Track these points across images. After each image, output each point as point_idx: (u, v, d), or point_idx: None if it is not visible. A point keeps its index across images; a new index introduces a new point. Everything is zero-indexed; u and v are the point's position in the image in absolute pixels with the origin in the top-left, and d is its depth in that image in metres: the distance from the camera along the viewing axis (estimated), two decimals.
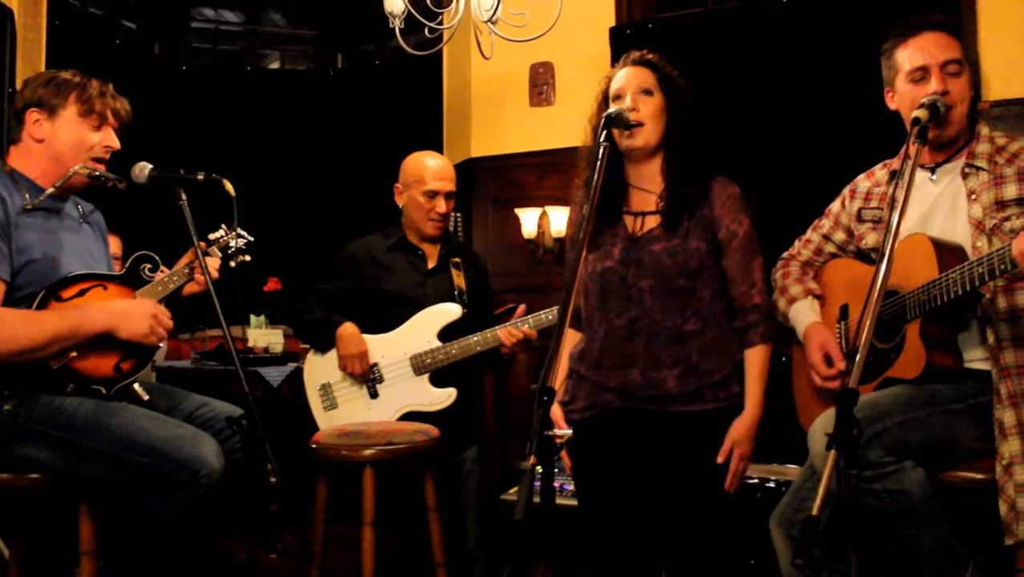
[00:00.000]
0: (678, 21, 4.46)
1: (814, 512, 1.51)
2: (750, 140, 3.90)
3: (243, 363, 4.12)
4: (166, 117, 5.59)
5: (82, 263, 2.47)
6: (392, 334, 3.18)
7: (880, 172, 2.45)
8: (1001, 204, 2.11)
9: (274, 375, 4.48)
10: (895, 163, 2.37)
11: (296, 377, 4.31)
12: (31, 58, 4.45)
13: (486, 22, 3.67)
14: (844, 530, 1.60)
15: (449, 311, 3.17)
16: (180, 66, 6.17)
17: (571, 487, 3.34)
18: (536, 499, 1.61)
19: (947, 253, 2.10)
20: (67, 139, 2.45)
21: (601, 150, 1.98)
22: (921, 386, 2.11)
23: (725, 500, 2.28)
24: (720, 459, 2.23)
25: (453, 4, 3.74)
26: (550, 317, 3.03)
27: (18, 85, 3.85)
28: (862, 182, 2.48)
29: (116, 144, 2.54)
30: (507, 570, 3.19)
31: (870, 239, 2.39)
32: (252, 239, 2.72)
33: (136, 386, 2.45)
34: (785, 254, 2.61)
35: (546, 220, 4.58)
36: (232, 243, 2.67)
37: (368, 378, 3.19)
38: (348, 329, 3.16)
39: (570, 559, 2.85)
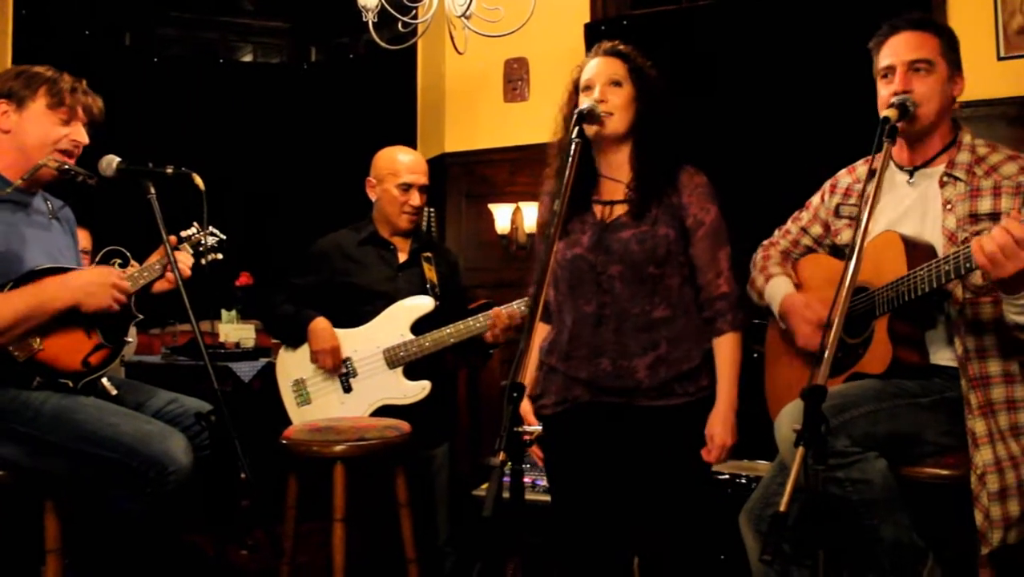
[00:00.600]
0: (653, 18, 4.46)
1: (782, 508, 1.52)
2: (724, 136, 3.91)
3: (214, 358, 4.11)
4: (137, 109, 5.52)
5: (49, 258, 2.44)
6: (365, 328, 3.17)
7: (861, 168, 2.46)
8: (975, 217, 2.11)
9: (245, 370, 4.45)
10: (875, 161, 2.36)
11: (268, 372, 4.29)
12: None
13: (460, 17, 3.67)
14: (812, 526, 1.61)
15: (422, 304, 3.17)
16: (151, 57, 6.11)
17: (543, 482, 3.34)
18: (506, 495, 1.61)
19: (917, 251, 2.12)
20: (34, 131, 2.43)
21: (573, 146, 1.99)
22: (889, 380, 2.13)
23: (696, 496, 2.29)
24: (708, 459, 2.25)
25: None
26: (523, 308, 3.04)
27: None
28: (843, 177, 2.49)
29: (84, 139, 2.51)
30: (478, 566, 3.19)
31: (845, 235, 2.40)
32: (224, 238, 2.71)
33: (104, 381, 2.43)
34: (765, 241, 2.63)
35: (519, 216, 4.58)
36: (204, 241, 2.65)
37: (341, 373, 3.17)
38: (320, 324, 3.14)
39: (541, 555, 2.86)
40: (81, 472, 2.25)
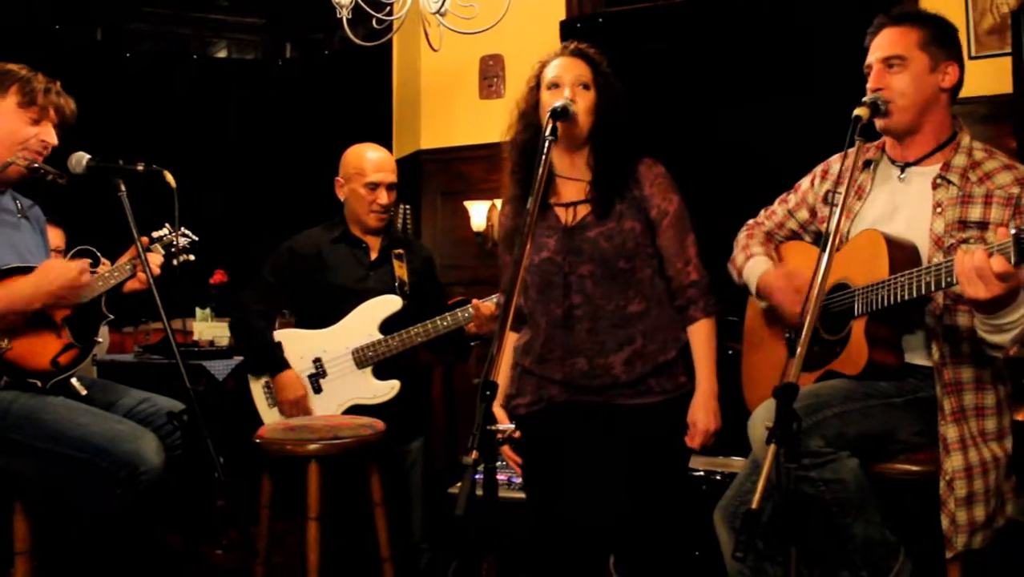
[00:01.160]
0: (628, 16, 4.47)
1: (753, 505, 1.53)
2: (697, 133, 3.92)
3: (188, 356, 4.08)
4: (108, 105, 5.45)
5: (17, 257, 2.42)
6: (334, 328, 3.17)
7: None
8: (963, 224, 2.10)
9: (219, 368, 4.41)
10: (872, 151, 2.36)
11: (242, 371, 4.26)
12: None
13: (435, 13, 3.65)
14: (784, 523, 1.62)
15: (389, 303, 3.16)
16: (123, 53, 6.04)
17: (518, 480, 3.34)
18: (479, 493, 1.61)
19: (900, 252, 2.10)
20: (1, 128, 2.39)
21: (547, 144, 1.99)
22: (863, 380, 2.14)
23: (671, 494, 2.30)
24: (692, 445, 2.26)
25: None
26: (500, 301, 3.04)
27: None
28: (835, 164, 2.43)
29: (53, 140, 2.49)
30: (454, 564, 3.19)
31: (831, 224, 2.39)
32: (196, 239, 2.69)
33: (74, 380, 2.41)
34: (751, 221, 2.60)
35: (495, 213, 4.57)
36: (175, 242, 2.63)
37: (311, 373, 3.16)
38: (289, 377, 3.14)
39: (516, 552, 2.86)
40: (50, 473, 2.23)
